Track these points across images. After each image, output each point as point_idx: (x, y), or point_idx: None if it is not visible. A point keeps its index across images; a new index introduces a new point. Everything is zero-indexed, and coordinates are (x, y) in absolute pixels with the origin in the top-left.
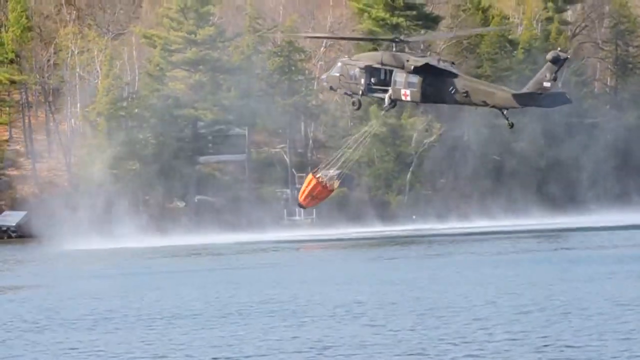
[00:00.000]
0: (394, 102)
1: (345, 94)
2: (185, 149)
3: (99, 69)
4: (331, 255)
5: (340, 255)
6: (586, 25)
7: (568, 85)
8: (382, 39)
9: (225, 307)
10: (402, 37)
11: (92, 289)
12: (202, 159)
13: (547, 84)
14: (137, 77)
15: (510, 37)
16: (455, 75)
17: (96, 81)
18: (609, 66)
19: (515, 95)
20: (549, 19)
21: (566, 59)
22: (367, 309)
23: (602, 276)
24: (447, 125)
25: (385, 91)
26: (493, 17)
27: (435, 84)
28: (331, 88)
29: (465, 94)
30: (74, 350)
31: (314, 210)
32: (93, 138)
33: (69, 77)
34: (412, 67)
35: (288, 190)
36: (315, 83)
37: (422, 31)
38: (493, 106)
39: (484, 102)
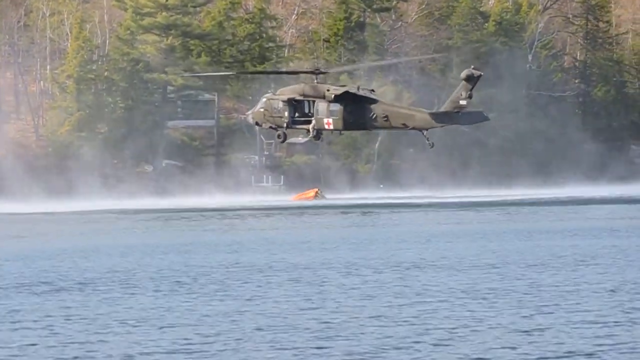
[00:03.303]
0: (319, 132)
1: (271, 127)
2: (154, 113)
3: (69, 31)
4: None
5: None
6: None
7: (537, 59)
8: (304, 72)
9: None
10: (322, 69)
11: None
12: (170, 123)
13: (463, 102)
14: (107, 40)
15: (481, 9)
16: (374, 101)
17: (66, 43)
18: (579, 40)
19: (432, 115)
20: None
21: (479, 76)
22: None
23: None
24: (417, 94)
25: (309, 122)
26: None
27: (355, 111)
28: (257, 124)
29: (385, 119)
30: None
31: (282, 177)
32: (62, 100)
33: (38, 39)
34: (333, 96)
35: (256, 157)
36: (287, 50)
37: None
38: (413, 128)
39: (404, 124)
